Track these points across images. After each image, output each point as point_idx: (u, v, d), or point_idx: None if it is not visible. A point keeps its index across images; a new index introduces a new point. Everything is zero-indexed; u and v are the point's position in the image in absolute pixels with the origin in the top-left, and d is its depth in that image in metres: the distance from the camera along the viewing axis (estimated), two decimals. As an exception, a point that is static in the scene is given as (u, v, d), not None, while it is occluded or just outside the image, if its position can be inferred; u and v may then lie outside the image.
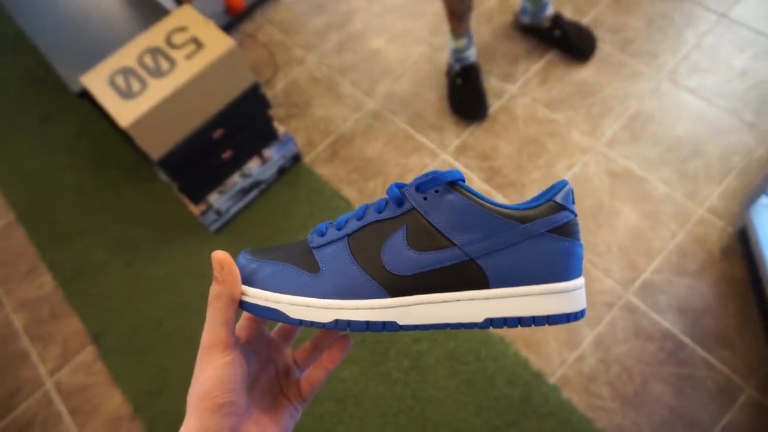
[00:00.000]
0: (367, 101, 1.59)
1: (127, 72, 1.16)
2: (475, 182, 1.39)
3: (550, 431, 1.10)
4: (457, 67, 1.49)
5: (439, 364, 1.20)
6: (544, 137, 1.43)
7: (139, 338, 1.36)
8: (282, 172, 1.50)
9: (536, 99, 1.49)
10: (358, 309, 0.33)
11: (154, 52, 1.18)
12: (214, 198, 1.39)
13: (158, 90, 1.12)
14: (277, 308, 0.34)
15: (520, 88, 1.52)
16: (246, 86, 1.25)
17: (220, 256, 0.34)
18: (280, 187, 1.49)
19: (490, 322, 0.32)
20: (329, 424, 1.18)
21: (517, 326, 0.32)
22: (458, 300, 0.32)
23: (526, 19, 1.56)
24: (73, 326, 1.42)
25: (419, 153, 1.46)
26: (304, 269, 0.34)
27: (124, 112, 1.10)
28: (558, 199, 0.32)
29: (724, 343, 1.13)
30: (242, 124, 1.32)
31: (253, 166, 1.42)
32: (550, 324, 0.32)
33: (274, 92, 1.67)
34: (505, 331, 1.21)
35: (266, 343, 0.40)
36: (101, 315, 1.42)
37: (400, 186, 0.34)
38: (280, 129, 1.45)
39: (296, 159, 1.51)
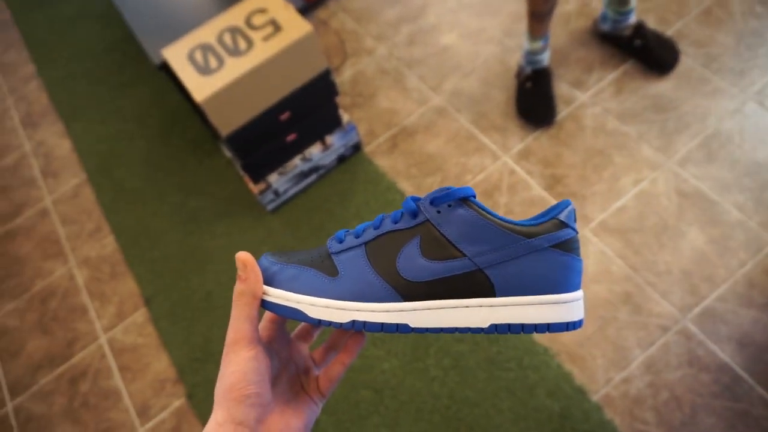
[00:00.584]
0: (432, 96, 1.58)
1: (206, 48, 1.20)
2: (535, 189, 1.36)
3: (589, 450, 1.07)
4: (528, 69, 1.46)
5: (480, 367, 1.19)
6: (611, 149, 1.38)
7: (189, 306, 1.42)
8: (342, 159, 1.51)
9: (608, 109, 1.44)
10: (373, 311, 0.36)
11: (234, 31, 1.21)
12: (274, 178, 1.42)
13: (234, 68, 1.15)
14: (298, 308, 0.36)
15: (592, 96, 1.47)
16: (318, 72, 1.27)
17: (243, 256, 0.36)
18: (338, 175, 1.51)
19: (495, 328, 0.35)
20: (365, 412, 1.19)
21: (519, 332, 0.35)
22: (466, 306, 0.35)
23: (606, 26, 1.51)
24: (129, 288, 1.48)
25: (480, 154, 1.45)
26: (324, 273, 0.37)
27: (200, 87, 1.14)
28: (561, 217, 0.35)
29: (787, 384, 1.07)
30: (309, 109, 1.34)
31: (314, 151, 1.44)
32: (550, 331, 0.35)
33: (341, 80, 1.69)
34: (550, 342, 1.18)
35: (286, 343, 0.41)
36: (156, 280, 1.48)
37: (415, 199, 0.37)
38: (344, 117, 1.46)
39: (357, 148, 1.52)
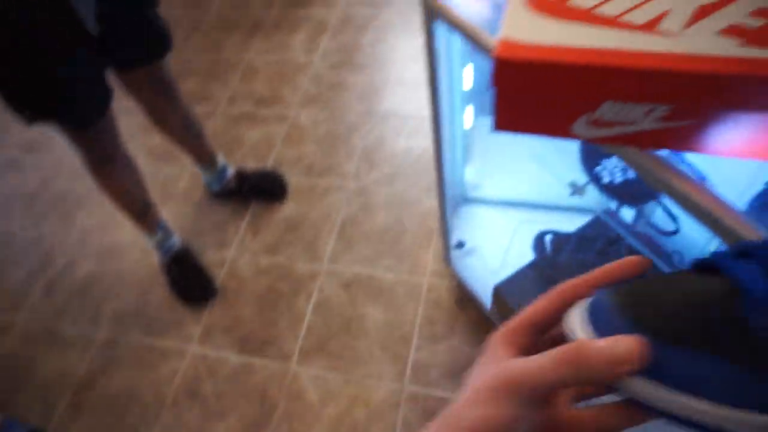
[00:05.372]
0: (96, 332, 1.47)
1: None
2: (232, 360, 1.35)
3: None
4: (167, 258, 1.48)
5: None
6: (276, 283, 1.46)
7: None
8: (22, 462, 1.27)
9: (255, 252, 1.54)
10: None
11: None
12: None
13: None
14: (678, 413, 0.24)
15: (237, 248, 1.55)
16: None
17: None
18: (27, 480, 1.26)
19: None
20: None
21: None
22: None
23: (215, 187, 1.63)
24: None
25: (166, 359, 1.38)
26: (739, 363, 0.23)
27: None
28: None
29: (497, 382, 1.22)
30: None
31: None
32: None
33: (-14, 376, 1.45)
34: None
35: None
36: None
37: None
38: (-2, 419, 1.24)
39: (35, 437, 1.30)
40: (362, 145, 1.72)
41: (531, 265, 1.14)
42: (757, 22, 0.41)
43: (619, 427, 0.28)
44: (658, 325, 0.24)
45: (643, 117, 0.44)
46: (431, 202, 1.53)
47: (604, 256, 1.05)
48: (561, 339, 0.28)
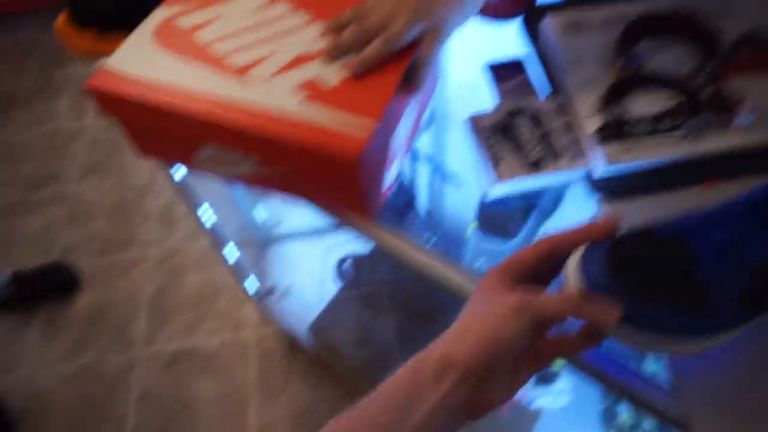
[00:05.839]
0: None
1: None
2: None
3: None
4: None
5: None
6: (87, 388, 1.29)
7: None
8: None
9: (55, 360, 1.34)
10: None
11: None
12: None
13: None
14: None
15: (33, 363, 1.34)
16: None
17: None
18: None
19: None
20: None
21: None
22: None
23: (-7, 298, 1.40)
24: None
25: None
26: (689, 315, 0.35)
27: None
28: None
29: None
30: None
31: None
32: None
33: None
34: None
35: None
36: None
37: None
38: None
39: None
40: (157, 207, 1.58)
41: (339, 294, 1.12)
42: (336, 79, 0.41)
43: (585, 347, 0.37)
44: (635, 289, 0.33)
45: (241, 161, 0.44)
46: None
47: (399, 271, 1.06)
48: (542, 279, 0.38)
